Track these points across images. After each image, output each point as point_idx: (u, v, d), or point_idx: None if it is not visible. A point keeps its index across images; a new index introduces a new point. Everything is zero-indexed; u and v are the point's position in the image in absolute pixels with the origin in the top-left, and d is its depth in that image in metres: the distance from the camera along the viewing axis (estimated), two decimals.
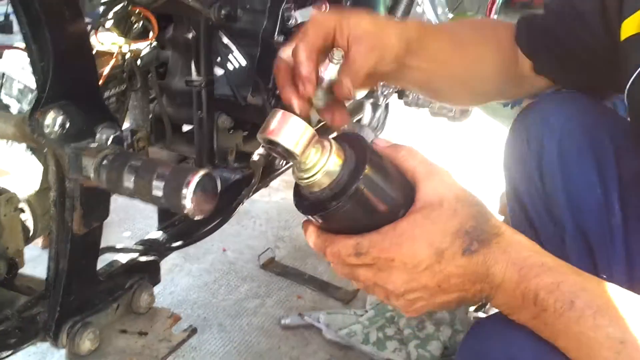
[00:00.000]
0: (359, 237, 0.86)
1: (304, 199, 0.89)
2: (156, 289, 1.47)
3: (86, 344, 1.26)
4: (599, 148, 1.25)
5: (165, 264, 2.25)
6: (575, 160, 1.26)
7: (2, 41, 1.43)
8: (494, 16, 2.88)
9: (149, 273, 1.45)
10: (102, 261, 1.38)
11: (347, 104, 1.03)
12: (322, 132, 0.91)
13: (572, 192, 1.26)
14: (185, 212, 1.08)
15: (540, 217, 1.32)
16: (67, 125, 1.12)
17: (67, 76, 1.13)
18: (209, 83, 1.72)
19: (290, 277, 2.39)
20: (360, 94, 1.95)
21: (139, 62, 1.63)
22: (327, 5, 1.81)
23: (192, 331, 1.42)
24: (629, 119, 1.19)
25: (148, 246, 1.54)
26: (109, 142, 1.18)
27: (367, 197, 0.85)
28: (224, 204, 1.75)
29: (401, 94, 2.43)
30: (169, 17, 1.78)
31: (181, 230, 1.66)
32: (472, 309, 2.01)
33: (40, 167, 1.33)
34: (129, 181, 1.11)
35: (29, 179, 1.35)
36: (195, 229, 1.70)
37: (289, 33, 1.82)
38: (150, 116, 1.81)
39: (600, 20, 1.20)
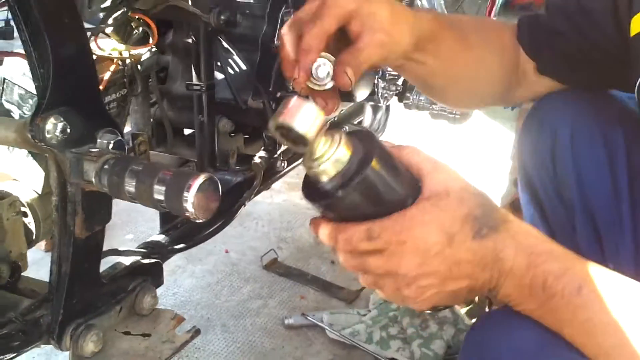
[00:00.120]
0: (370, 222, 0.87)
1: (314, 190, 0.90)
2: (159, 290, 1.47)
3: (90, 346, 1.27)
4: (610, 135, 1.27)
5: (169, 266, 2.26)
6: (586, 146, 1.27)
7: (2, 47, 1.43)
8: (493, 18, 2.88)
9: (151, 275, 1.45)
10: (105, 264, 1.40)
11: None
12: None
13: (583, 177, 1.27)
14: (187, 215, 1.09)
15: (550, 200, 1.33)
16: (68, 130, 1.13)
17: (67, 82, 1.14)
18: (210, 87, 1.74)
19: (293, 277, 2.40)
20: (361, 95, 1.97)
21: (139, 67, 1.64)
22: None
23: (196, 332, 1.42)
24: None
25: (150, 249, 1.55)
26: (110, 147, 1.19)
27: (376, 184, 0.86)
28: (225, 206, 1.76)
29: (401, 97, 2.43)
30: (169, 23, 1.79)
31: (183, 232, 1.67)
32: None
33: (42, 172, 1.35)
34: (130, 185, 1.12)
35: (31, 183, 1.36)
36: (198, 232, 1.71)
37: None
38: (151, 120, 1.83)
39: (611, 18, 1.19)
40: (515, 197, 2.46)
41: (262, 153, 1.85)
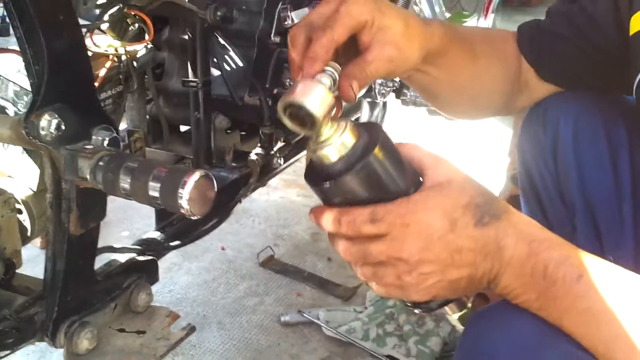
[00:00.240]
0: (373, 206, 0.87)
1: (318, 175, 0.90)
2: (155, 288, 1.47)
3: (84, 343, 1.27)
4: (613, 134, 1.27)
5: (165, 263, 2.27)
6: (589, 144, 1.28)
7: None
8: (490, 15, 2.88)
9: (147, 272, 1.45)
10: (101, 261, 1.39)
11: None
12: None
13: (584, 175, 1.27)
14: (182, 212, 1.09)
15: (551, 199, 1.33)
16: (63, 127, 1.13)
17: (62, 79, 1.14)
18: (206, 84, 1.73)
19: (290, 274, 2.40)
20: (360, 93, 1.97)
21: (135, 63, 1.64)
22: None
23: (191, 329, 1.42)
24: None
25: (146, 246, 1.55)
26: (105, 144, 1.19)
27: (379, 170, 0.87)
28: (221, 203, 1.76)
29: (398, 94, 2.44)
30: (165, 19, 1.79)
31: (179, 229, 1.67)
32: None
33: (37, 169, 1.34)
34: (125, 182, 1.12)
35: (26, 181, 1.36)
36: (193, 229, 1.71)
37: (285, 33, 1.83)
38: (147, 117, 1.82)
39: (612, 18, 1.20)
40: (512, 194, 2.46)
41: (258, 150, 1.86)
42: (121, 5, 1.49)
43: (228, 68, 1.81)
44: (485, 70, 1.27)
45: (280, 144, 1.91)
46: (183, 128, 1.96)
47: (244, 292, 2.30)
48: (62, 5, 1.15)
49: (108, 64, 1.51)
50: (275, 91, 1.83)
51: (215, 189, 1.13)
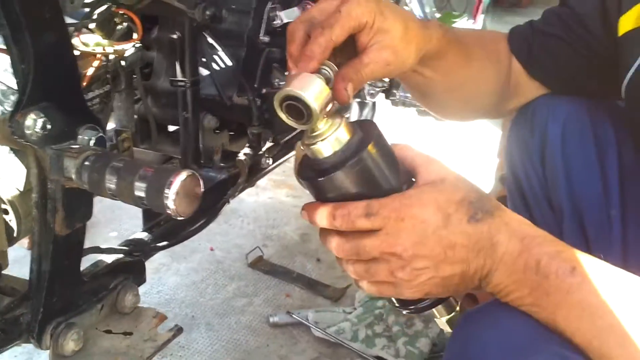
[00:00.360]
0: (368, 200, 0.88)
1: (311, 170, 0.91)
2: (143, 288, 1.47)
3: (70, 344, 1.26)
4: (601, 134, 1.27)
5: (153, 264, 2.26)
6: (577, 145, 1.28)
7: None
8: (480, 15, 2.89)
9: (134, 273, 1.44)
10: (88, 261, 1.39)
11: None
12: None
13: (572, 178, 1.28)
14: (168, 212, 1.08)
15: (538, 203, 1.34)
16: (48, 126, 1.12)
17: (48, 78, 1.13)
18: (195, 83, 1.73)
19: (279, 275, 2.40)
20: None
21: (123, 63, 1.63)
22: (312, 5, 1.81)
23: (178, 330, 1.41)
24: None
25: (132, 246, 1.54)
26: (91, 143, 1.18)
27: (373, 166, 0.88)
28: (209, 203, 1.75)
29: (388, 94, 2.44)
30: (154, 18, 1.78)
31: (166, 230, 1.66)
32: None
33: (23, 169, 1.33)
34: (111, 182, 1.11)
35: (12, 180, 1.35)
36: (181, 229, 1.70)
37: (274, 33, 1.82)
38: (135, 117, 1.81)
39: (600, 19, 1.21)
40: (501, 195, 2.46)
41: (246, 150, 1.85)
42: (109, 4, 1.48)
43: (217, 68, 1.80)
44: (478, 73, 1.28)
45: (268, 144, 1.91)
46: (171, 128, 1.94)
47: (232, 293, 2.30)
48: (48, 4, 1.14)
49: (95, 63, 1.50)
50: (264, 91, 1.82)
51: (202, 189, 1.12)
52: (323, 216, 0.90)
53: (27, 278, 1.26)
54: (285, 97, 0.86)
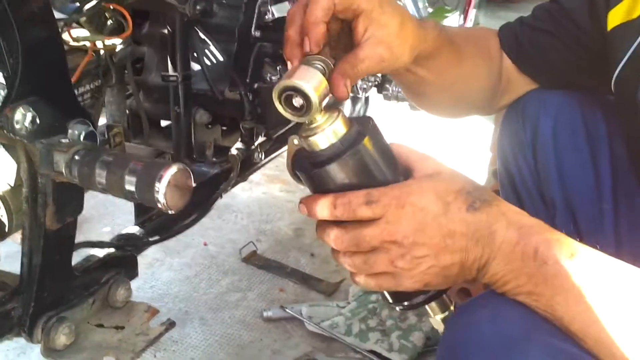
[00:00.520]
0: (368, 189, 0.88)
1: (307, 162, 0.92)
2: (137, 283, 1.47)
3: (61, 338, 1.26)
4: (592, 126, 1.28)
5: (146, 258, 2.26)
6: (569, 138, 1.29)
7: None
8: (472, 11, 2.89)
9: (125, 267, 1.45)
10: (81, 256, 1.39)
11: None
12: None
13: (564, 171, 1.28)
14: (159, 206, 1.08)
15: (530, 195, 1.34)
16: (38, 121, 1.12)
17: (36, 72, 1.14)
18: (186, 78, 1.73)
19: (272, 270, 2.39)
20: None
21: (113, 58, 1.63)
22: None
23: (170, 324, 1.42)
24: None
25: (124, 241, 1.55)
26: (81, 138, 1.18)
27: (372, 155, 0.90)
28: (202, 198, 1.76)
29: (380, 88, 2.44)
30: (145, 13, 1.78)
31: (158, 224, 1.66)
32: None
33: (14, 164, 1.33)
34: (101, 177, 1.11)
35: (3, 175, 1.35)
36: (173, 224, 1.70)
37: (266, 28, 1.82)
38: (127, 112, 1.81)
39: (588, 15, 1.21)
40: (494, 189, 2.46)
41: (239, 145, 1.85)
42: None
43: (208, 62, 1.80)
44: (470, 71, 1.28)
45: (261, 139, 1.91)
46: (164, 123, 1.95)
47: (226, 287, 2.29)
48: None
49: (85, 58, 1.50)
50: (256, 86, 1.82)
51: (193, 183, 1.12)
52: (324, 206, 0.90)
53: (18, 272, 1.27)
54: (285, 88, 0.87)
